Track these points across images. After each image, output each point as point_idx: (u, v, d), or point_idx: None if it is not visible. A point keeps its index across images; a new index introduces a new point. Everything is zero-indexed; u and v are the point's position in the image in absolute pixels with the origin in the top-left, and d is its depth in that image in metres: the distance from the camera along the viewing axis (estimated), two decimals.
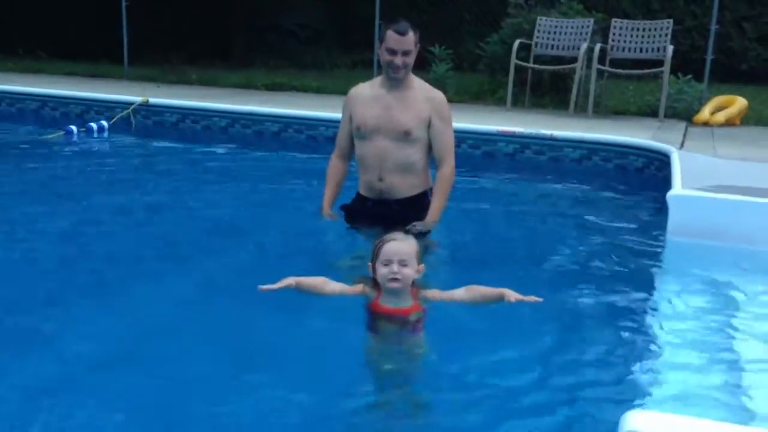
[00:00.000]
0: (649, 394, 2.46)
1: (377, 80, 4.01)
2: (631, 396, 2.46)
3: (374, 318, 2.81)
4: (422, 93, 3.90)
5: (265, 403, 2.43)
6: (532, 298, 2.79)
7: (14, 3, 14.37)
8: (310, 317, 2.98)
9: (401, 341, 2.78)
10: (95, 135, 7.48)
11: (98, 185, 5.58)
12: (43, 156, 6.42)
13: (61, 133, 7.28)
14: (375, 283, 2.84)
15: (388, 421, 2.39)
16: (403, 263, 2.73)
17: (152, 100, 8.22)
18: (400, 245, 2.77)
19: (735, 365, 2.69)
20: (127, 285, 3.44)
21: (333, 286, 2.93)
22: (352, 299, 2.90)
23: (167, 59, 12.73)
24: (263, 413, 2.37)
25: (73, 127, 7.41)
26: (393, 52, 3.74)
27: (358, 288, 2.90)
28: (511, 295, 2.78)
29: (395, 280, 2.73)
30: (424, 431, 2.38)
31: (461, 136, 6.41)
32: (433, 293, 2.89)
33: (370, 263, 2.83)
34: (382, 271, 2.75)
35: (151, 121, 8.18)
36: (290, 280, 2.85)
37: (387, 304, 2.80)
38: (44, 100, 8.80)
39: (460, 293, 2.89)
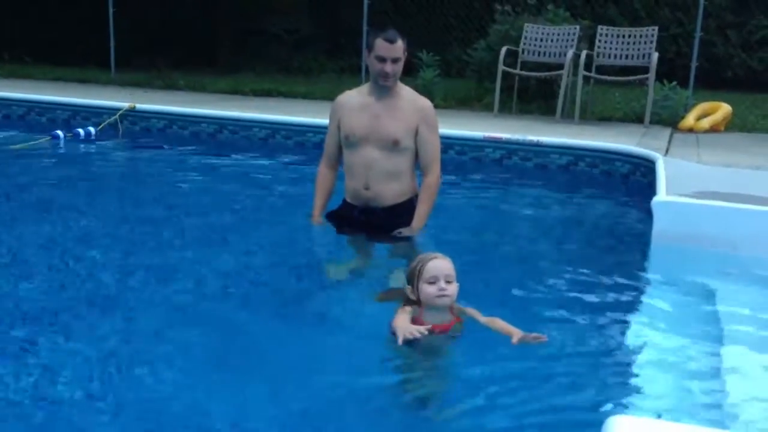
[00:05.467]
0: (633, 399, 2.48)
1: (365, 88, 4.02)
2: (614, 401, 2.48)
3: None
4: (410, 101, 3.91)
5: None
6: (535, 336, 2.71)
7: None
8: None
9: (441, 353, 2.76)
10: (82, 140, 7.46)
11: (85, 191, 5.56)
12: (30, 162, 6.39)
13: (48, 138, 7.25)
14: (414, 302, 2.82)
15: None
16: (448, 279, 2.75)
17: (139, 106, 8.21)
18: (443, 262, 2.78)
19: (719, 370, 2.71)
20: (116, 292, 3.43)
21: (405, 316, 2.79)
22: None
23: (154, 64, 12.69)
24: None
25: (60, 133, 7.39)
26: (383, 59, 3.75)
27: (409, 310, 2.80)
28: (517, 335, 2.71)
29: (444, 296, 2.73)
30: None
31: (448, 142, 6.44)
32: (468, 309, 2.90)
33: (408, 286, 2.81)
34: (429, 290, 2.74)
35: (138, 127, 8.15)
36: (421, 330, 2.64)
37: (430, 320, 2.77)
38: (31, 105, 8.74)
39: (484, 318, 2.89)
